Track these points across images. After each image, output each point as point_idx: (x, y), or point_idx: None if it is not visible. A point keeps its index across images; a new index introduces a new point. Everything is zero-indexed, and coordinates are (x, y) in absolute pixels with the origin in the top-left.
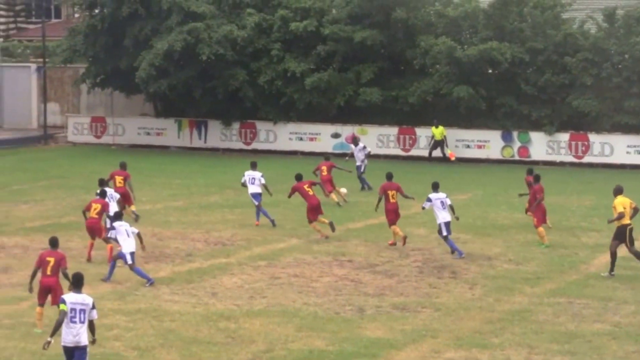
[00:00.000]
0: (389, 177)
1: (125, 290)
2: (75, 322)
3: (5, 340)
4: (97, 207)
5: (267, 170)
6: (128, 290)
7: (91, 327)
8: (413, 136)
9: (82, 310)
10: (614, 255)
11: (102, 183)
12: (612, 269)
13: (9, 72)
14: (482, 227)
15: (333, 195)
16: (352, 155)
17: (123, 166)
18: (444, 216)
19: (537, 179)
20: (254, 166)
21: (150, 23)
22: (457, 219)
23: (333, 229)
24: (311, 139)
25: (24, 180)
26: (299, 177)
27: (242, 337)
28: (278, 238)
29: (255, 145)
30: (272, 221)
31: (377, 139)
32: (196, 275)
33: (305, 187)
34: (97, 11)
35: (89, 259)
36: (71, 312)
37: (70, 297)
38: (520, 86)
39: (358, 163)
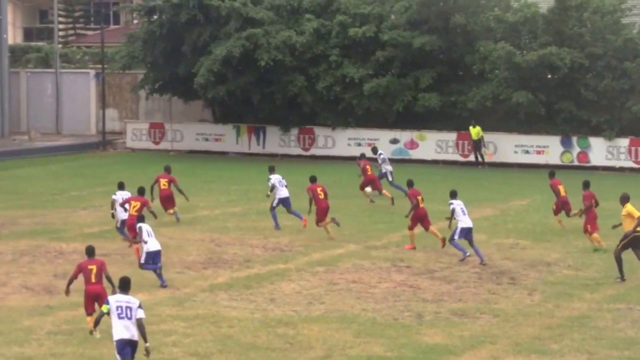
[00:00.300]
0: (411, 183)
1: (183, 296)
2: (122, 318)
3: (64, 345)
4: (136, 204)
5: (325, 176)
6: (186, 296)
7: (141, 329)
8: (472, 142)
9: (129, 308)
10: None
11: (121, 186)
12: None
13: (68, 78)
14: (541, 233)
15: (386, 192)
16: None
17: (167, 169)
18: (466, 221)
19: (586, 185)
20: (272, 170)
21: (208, 29)
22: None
23: (338, 224)
24: (370, 145)
25: (82, 186)
26: (313, 179)
27: (300, 343)
28: (336, 244)
29: (313, 151)
30: (277, 224)
31: (436, 144)
32: (254, 281)
33: (319, 190)
34: (155, 17)
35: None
36: (118, 310)
37: (116, 297)
38: (580, 91)
39: (383, 171)
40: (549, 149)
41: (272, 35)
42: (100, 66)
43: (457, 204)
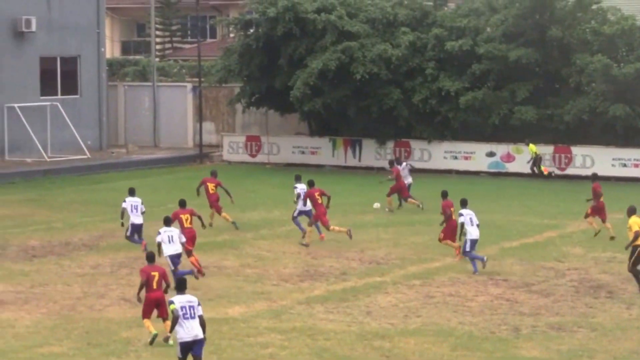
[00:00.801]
0: (445, 194)
1: (280, 308)
2: (188, 319)
3: (161, 357)
4: (187, 217)
5: (421, 189)
6: (283, 308)
7: (201, 322)
8: (569, 155)
9: (191, 307)
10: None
11: (132, 192)
12: None
13: (165, 91)
14: None
15: (413, 200)
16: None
17: (214, 174)
18: (474, 233)
19: None
20: (298, 179)
21: (304, 42)
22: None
23: (350, 236)
24: (466, 158)
25: (176, 199)
26: (311, 184)
27: (397, 356)
28: (433, 257)
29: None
30: (302, 228)
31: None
32: (351, 293)
33: (317, 194)
34: (251, 31)
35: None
36: (182, 310)
37: (178, 298)
38: None
39: (409, 181)
40: None
41: (368, 48)
42: (197, 79)
43: (467, 214)
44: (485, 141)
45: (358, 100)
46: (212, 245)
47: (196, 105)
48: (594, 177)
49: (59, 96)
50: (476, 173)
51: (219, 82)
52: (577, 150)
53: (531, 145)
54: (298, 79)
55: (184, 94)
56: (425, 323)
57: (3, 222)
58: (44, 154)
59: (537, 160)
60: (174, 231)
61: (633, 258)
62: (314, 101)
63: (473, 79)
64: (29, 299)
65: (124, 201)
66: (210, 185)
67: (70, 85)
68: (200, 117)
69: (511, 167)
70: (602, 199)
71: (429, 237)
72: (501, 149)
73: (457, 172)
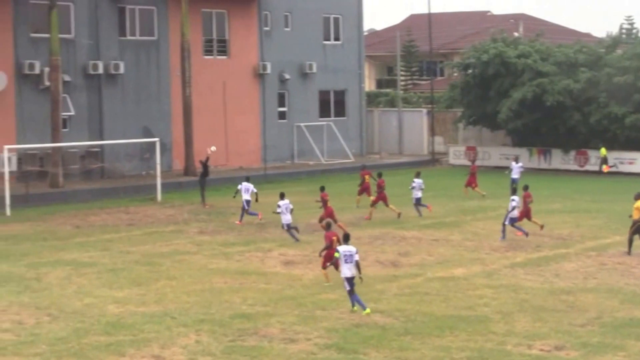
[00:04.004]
0: (526, 187)
1: (491, 270)
2: (347, 262)
3: (405, 303)
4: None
5: (591, 185)
6: (493, 270)
7: (358, 267)
8: (601, 158)
9: (350, 255)
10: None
11: (282, 196)
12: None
13: (407, 115)
14: None
15: (478, 189)
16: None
17: (363, 168)
18: (514, 214)
19: None
20: (282, 197)
21: (508, 79)
22: None
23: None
24: (630, 163)
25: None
26: (322, 189)
27: (578, 307)
28: (605, 235)
29: (587, 167)
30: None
31: None
32: (543, 261)
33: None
34: (470, 71)
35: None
36: (344, 257)
37: (342, 248)
38: None
39: (515, 177)
40: None
41: (555, 83)
42: (430, 106)
43: (514, 199)
44: None
45: (548, 121)
46: (441, 224)
47: (429, 124)
48: None
49: (332, 118)
50: (638, 174)
51: (446, 108)
52: None
53: (602, 149)
54: (504, 105)
55: (421, 117)
56: (600, 283)
57: (293, 206)
58: (321, 159)
59: (604, 160)
60: (288, 205)
61: (634, 228)
62: (516, 121)
63: (636, 105)
64: (312, 260)
65: (240, 184)
66: (366, 177)
67: (340, 110)
68: (432, 132)
69: None
70: None
71: (602, 221)
72: None
73: (624, 174)
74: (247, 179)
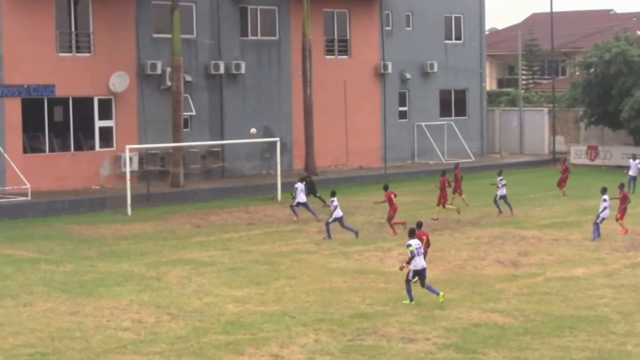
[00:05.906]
0: (622, 186)
1: (611, 270)
2: (419, 255)
3: (525, 303)
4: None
5: None
6: (614, 270)
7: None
8: None
9: (420, 248)
10: None
11: (333, 194)
12: None
13: (528, 114)
14: None
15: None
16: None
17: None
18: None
19: None
20: (333, 195)
21: (631, 78)
22: None
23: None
24: None
25: (538, 190)
26: (385, 187)
27: None
28: None
29: None
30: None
31: None
32: None
33: (392, 195)
34: (591, 70)
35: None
36: (417, 250)
37: (414, 242)
38: None
39: (632, 174)
40: None
41: None
42: (551, 105)
43: (604, 199)
44: None
45: None
46: (561, 224)
47: (550, 124)
48: None
49: (453, 117)
50: None
51: (567, 107)
52: None
53: None
54: (626, 104)
55: (542, 116)
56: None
57: (412, 206)
58: (441, 158)
59: None
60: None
61: None
62: (638, 121)
63: None
64: (431, 259)
65: (297, 184)
66: (459, 175)
67: (461, 110)
68: (553, 132)
69: None
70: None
71: None
72: None
73: None
74: (303, 180)
